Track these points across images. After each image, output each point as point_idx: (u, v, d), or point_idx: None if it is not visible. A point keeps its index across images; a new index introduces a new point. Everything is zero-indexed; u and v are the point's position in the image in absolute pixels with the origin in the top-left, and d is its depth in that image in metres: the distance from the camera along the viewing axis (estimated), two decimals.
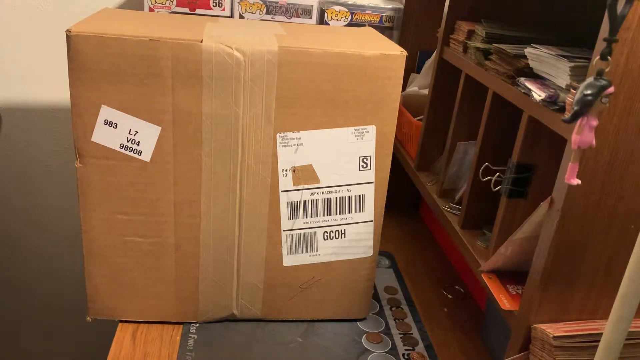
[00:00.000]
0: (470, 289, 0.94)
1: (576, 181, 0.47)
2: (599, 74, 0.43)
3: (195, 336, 0.75)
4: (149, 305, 0.76)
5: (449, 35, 0.84)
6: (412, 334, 0.81)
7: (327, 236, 0.75)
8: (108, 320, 0.77)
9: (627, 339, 0.43)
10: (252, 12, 1.02)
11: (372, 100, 0.70)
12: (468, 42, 0.77)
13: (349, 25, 1.06)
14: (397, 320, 0.84)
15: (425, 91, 0.96)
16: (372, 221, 0.76)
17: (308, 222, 0.74)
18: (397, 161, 0.99)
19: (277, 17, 1.03)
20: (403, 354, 0.77)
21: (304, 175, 0.72)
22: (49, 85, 1.24)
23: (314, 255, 0.76)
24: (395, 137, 0.83)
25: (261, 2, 1.02)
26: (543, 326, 0.56)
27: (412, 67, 1.11)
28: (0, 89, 1.23)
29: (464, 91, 0.78)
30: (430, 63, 1.01)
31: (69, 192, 1.32)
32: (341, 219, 0.75)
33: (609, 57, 0.43)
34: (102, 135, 0.67)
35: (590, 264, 0.55)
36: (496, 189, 0.66)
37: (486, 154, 0.71)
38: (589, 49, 0.53)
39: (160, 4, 1.00)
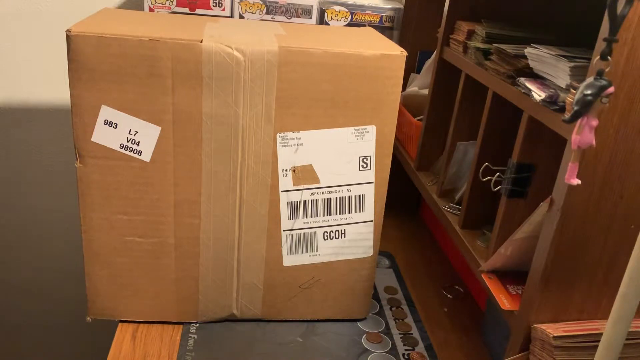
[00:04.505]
0: (470, 289, 0.94)
1: (576, 181, 0.47)
2: (599, 74, 0.43)
3: (195, 336, 0.75)
4: (149, 305, 0.76)
5: (449, 35, 0.84)
6: (412, 334, 0.81)
7: (327, 236, 0.75)
8: (108, 320, 0.77)
9: (627, 339, 0.43)
10: (252, 12, 1.02)
11: (372, 100, 0.70)
12: (468, 42, 0.77)
13: (349, 25, 1.06)
14: (397, 320, 0.84)
15: (425, 91, 0.96)
16: (372, 221, 0.76)
17: (308, 222, 0.74)
18: (397, 161, 0.99)
19: (277, 17, 1.03)
20: (403, 354, 0.77)
21: (304, 175, 0.72)
22: (49, 85, 1.24)
23: (314, 255, 0.76)
24: (395, 137, 0.83)
25: (261, 2, 1.02)
26: (543, 326, 0.56)
27: (412, 67, 1.11)
28: (1, 89, 1.23)
29: (464, 91, 0.78)
30: (430, 63, 1.01)
31: (69, 192, 1.32)
32: (341, 219, 0.75)
33: (609, 57, 0.43)
34: (102, 135, 0.67)
35: (590, 264, 0.55)
36: (496, 189, 0.66)
37: (486, 154, 0.71)
38: (589, 49, 0.53)
39: (160, 4, 1.00)
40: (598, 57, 0.43)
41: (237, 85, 0.66)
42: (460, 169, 0.81)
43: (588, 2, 0.69)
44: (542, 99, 0.57)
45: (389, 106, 0.71)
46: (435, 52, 0.89)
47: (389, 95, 0.70)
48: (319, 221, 0.75)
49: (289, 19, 1.04)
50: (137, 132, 0.67)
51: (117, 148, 0.67)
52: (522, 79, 0.62)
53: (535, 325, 0.57)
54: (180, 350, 0.73)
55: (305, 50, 0.66)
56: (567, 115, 0.45)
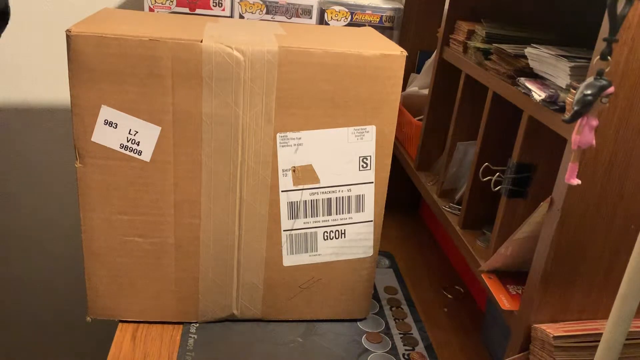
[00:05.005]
0: (470, 289, 0.94)
1: (576, 181, 0.47)
2: (599, 74, 0.43)
3: (195, 336, 0.75)
4: (149, 305, 0.76)
5: (449, 35, 0.84)
6: (412, 334, 0.81)
7: (327, 236, 0.75)
8: (108, 320, 0.77)
9: (627, 339, 0.43)
10: (252, 12, 1.02)
11: (372, 100, 0.70)
12: (468, 42, 0.77)
13: (349, 25, 1.06)
14: (397, 320, 0.84)
15: (425, 91, 0.96)
16: (372, 221, 0.76)
17: (308, 222, 0.74)
18: (397, 161, 0.99)
19: (277, 17, 1.03)
20: (403, 354, 0.77)
21: (304, 175, 0.72)
22: (49, 85, 1.24)
23: (314, 255, 0.76)
24: (395, 137, 0.83)
25: (261, 2, 1.02)
26: (543, 326, 0.56)
27: (412, 67, 1.11)
28: (0, 89, 1.23)
29: (464, 91, 0.78)
30: (430, 63, 1.01)
31: (69, 192, 1.32)
32: (341, 219, 0.75)
33: (609, 57, 0.43)
34: (102, 135, 0.67)
35: (590, 264, 0.55)
36: (496, 189, 0.66)
37: (486, 154, 0.71)
38: (589, 49, 0.53)
39: (160, 4, 1.00)
40: (598, 57, 0.43)
41: (237, 85, 0.66)
42: (460, 169, 0.81)
43: (588, 2, 0.69)
44: (542, 99, 0.57)
45: (389, 106, 0.71)
46: (435, 52, 0.89)
47: (389, 95, 0.70)
48: (319, 221, 0.75)
49: (289, 19, 1.04)
50: (137, 132, 0.67)
51: (117, 148, 0.68)
52: (522, 79, 0.62)
53: (535, 325, 0.56)
54: (180, 350, 0.73)
55: (305, 50, 0.66)
56: (567, 115, 0.45)
